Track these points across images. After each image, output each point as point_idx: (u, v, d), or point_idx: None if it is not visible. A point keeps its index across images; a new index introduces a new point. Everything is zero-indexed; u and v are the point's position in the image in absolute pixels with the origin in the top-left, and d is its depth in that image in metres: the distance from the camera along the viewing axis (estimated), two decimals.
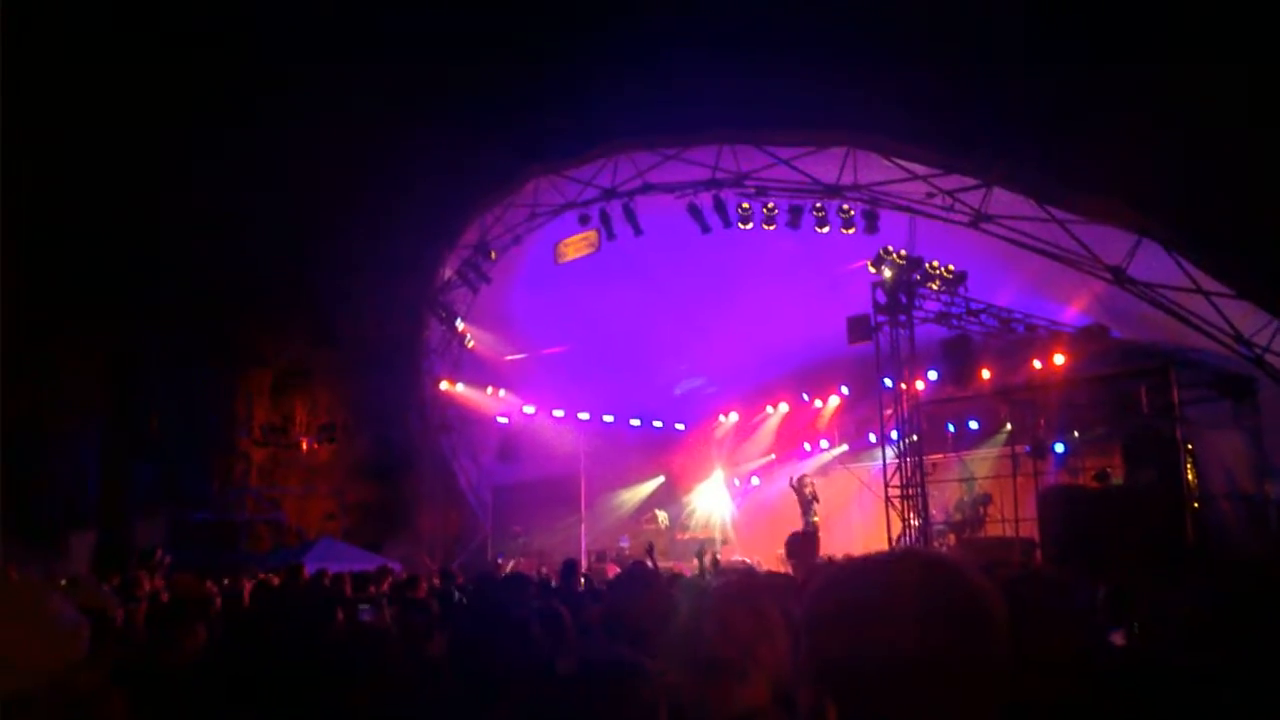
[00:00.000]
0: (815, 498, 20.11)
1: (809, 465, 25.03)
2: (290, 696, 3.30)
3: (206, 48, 16.59)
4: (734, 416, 26.49)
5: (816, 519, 19.74)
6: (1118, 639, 4.39)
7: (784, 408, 25.51)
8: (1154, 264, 15.51)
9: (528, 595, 6.09)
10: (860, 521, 21.19)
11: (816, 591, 1.45)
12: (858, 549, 19.67)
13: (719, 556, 21.22)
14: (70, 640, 2.26)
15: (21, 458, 21.99)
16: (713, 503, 25.86)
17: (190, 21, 15.90)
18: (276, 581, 11.95)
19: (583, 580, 11.73)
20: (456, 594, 8.93)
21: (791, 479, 20.89)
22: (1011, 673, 1.33)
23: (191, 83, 17.45)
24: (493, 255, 21.68)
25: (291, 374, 24.88)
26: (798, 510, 20.03)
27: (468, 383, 24.38)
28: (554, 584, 10.48)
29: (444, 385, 23.99)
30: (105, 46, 16.75)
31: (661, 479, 27.03)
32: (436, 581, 12.59)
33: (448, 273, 22.84)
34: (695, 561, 20.66)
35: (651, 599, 3.27)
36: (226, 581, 13.39)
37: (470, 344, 23.88)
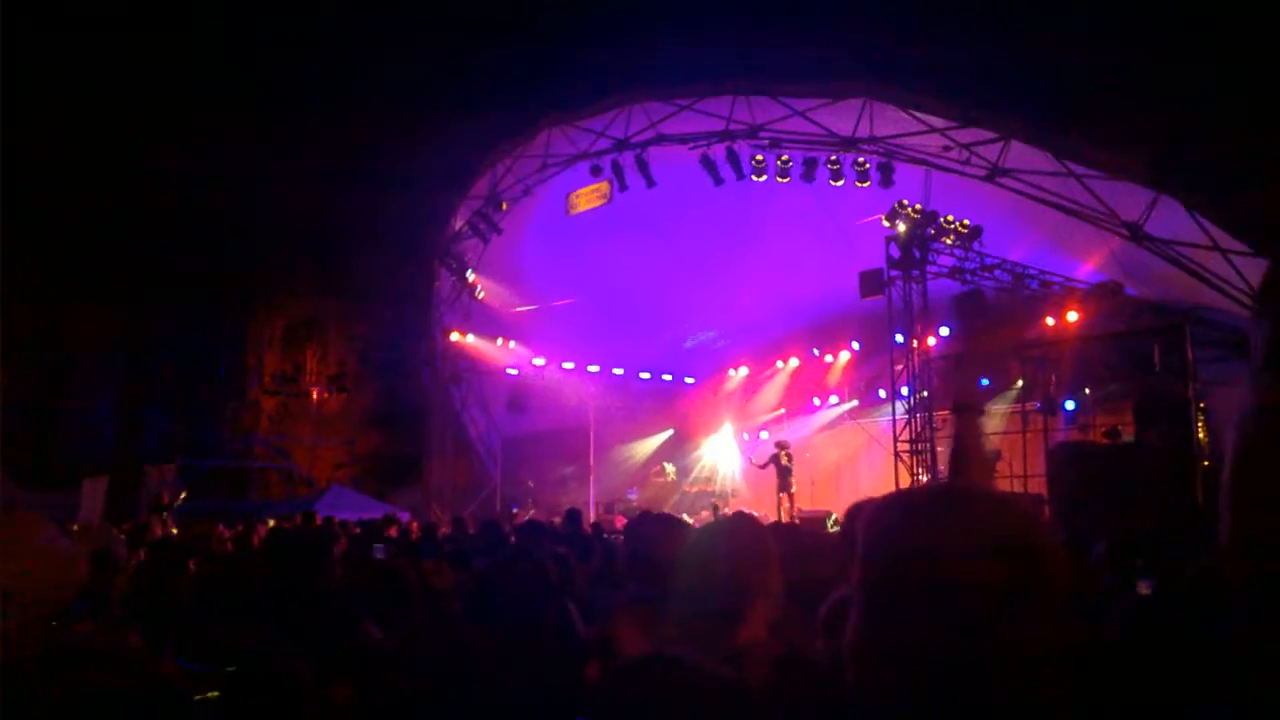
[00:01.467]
0: (791, 468, 20.02)
1: (818, 420, 25.05)
2: (291, 624, 3.32)
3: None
4: (744, 370, 26.46)
5: (794, 489, 19.86)
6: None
7: (794, 362, 25.48)
8: (1171, 221, 15.35)
9: (544, 540, 6.12)
10: (869, 476, 21.24)
11: (874, 525, 1.43)
12: None
13: (727, 510, 21.39)
14: (66, 571, 2.29)
15: (37, 407, 22.15)
16: (721, 456, 25.92)
17: None
18: (290, 527, 12.05)
19: (592, 528, 11.80)
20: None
21: (778, 446, 20.55)
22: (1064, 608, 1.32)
23: (204, 37, 17.31)
24: (504, 206, 21.57)
25: (302, 323, 24.94)
26: (808, 464, 20.15)
27: (478, 334, 24.37)
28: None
29: (454, 336, 23.97)
30: (113, 12, 16.62)
31: (670, 432, 27.08)
32: (445, 530, 12.68)
33: (459, 223, 22.75)
34: (704, 514, 20.88)
35: (674, 540, 3.25)
36: (240, 527, 13.55)
37: (481, 295, 23.84)
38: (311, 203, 20.88)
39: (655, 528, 3.57)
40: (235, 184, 20.25)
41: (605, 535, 10.83)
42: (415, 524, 13.88)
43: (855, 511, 2.75)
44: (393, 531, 11.91)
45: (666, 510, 21.57)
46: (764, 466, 20.70)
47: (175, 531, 13.81)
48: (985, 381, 20.03)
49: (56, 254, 20.94)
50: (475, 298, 23.93)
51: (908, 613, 1.32)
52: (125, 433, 23.54)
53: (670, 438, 27.06)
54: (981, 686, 1.27)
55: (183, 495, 19.86)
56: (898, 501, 1.46)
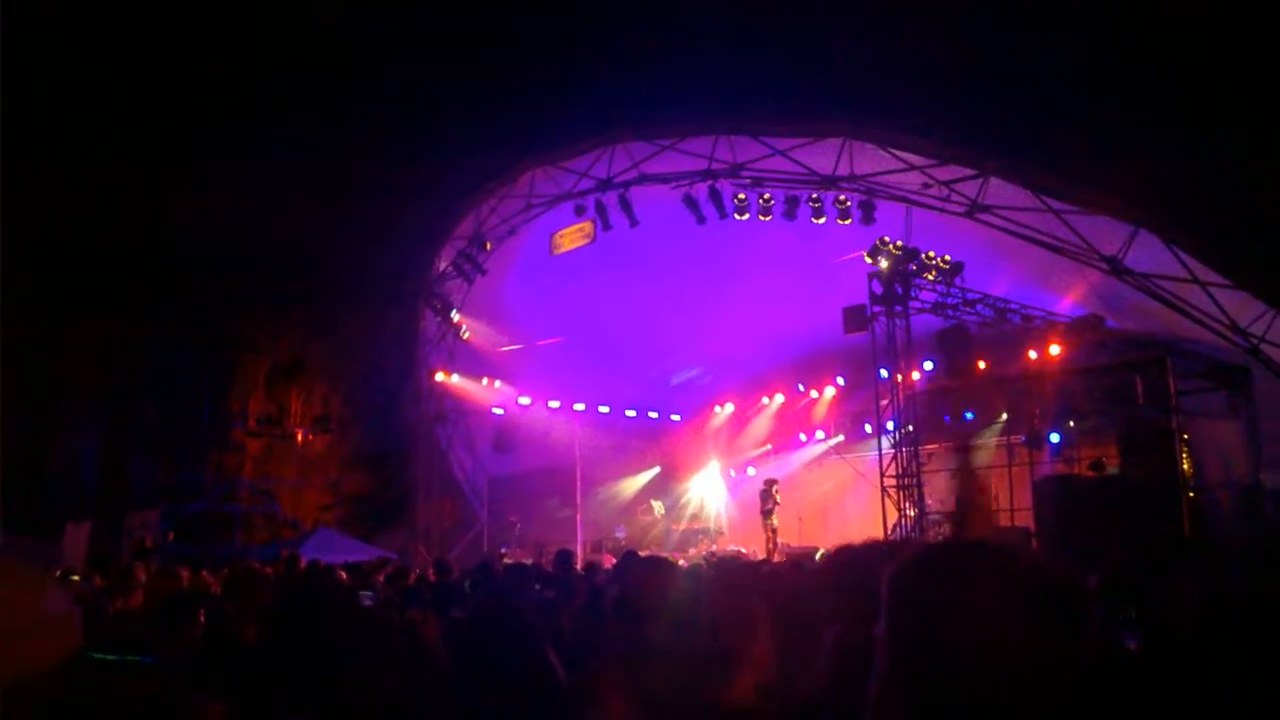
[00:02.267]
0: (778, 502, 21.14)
1: (804, 455, 25.09)
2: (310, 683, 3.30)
3: (207, 46, 16.51)
4: (729, 407, 26.52)
5: (775, 523, 20.78)
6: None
7: (779, 398, 25.56)
8: (1150, 254, 15.53)
9: (529, 584, 6.10)
10: (856, 511, 21.26)
11: (901, 579, 1.45)
12: (856, 538, 19.71)
13: (715, 547, 21.41)
14: (64, 631, 2.26)
15: (21, 448, 21.95)
16: (708, 493, 25.91)
17: (192, 21, 15.82)
18: (269, 571, 11.94)
19: (585, 568, 11.75)
20: (464, 583, 8.93)
21: (766, 483, 21.60)
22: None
23: (189, 81, 17.37)
24: (488, 246, 21.64)
25: (286, 365, 24.82)
26: (795, 499, 20.42)
27: (463, 374, 24.35)
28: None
29: (439, 376, 23.96)
30: (107, 44, 16.68)
31: (657, 469, 27.07)
32: (430, 574, 12.58)
33: (443, 264, 22.81)
34: (691, 551, 20.86)
35: (662, 584, 3.26)
36: (225, 573, 13.42)
37: (465, 335, 23.86)
38: (295, 245, 20.87)
39: (642, 570, 3.58)
40: (218, 226, 20.25)
41: (595, 577, 10.77)
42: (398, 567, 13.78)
43: (845, 556, 2.75)
44: (381, 578, 11.81)
45: (654, 548, 21.59)
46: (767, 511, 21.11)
47: (154, 574, 13.63)
48: (970, 415, 20.18)
49: (40, 298, 20.84)
50: (460, 338, 23.95)
51: (936, 668, 1.35)
52: (108, 477, 23.31)
53: (657, 475, 27.05)
54: None
55: (170, 536, 19.69)
56: (925, 560, 1.49)
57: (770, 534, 20.63)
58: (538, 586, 7.42)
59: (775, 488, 21.23)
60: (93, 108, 17.70)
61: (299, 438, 24.89)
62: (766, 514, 20.91)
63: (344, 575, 11.60)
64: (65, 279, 20.72)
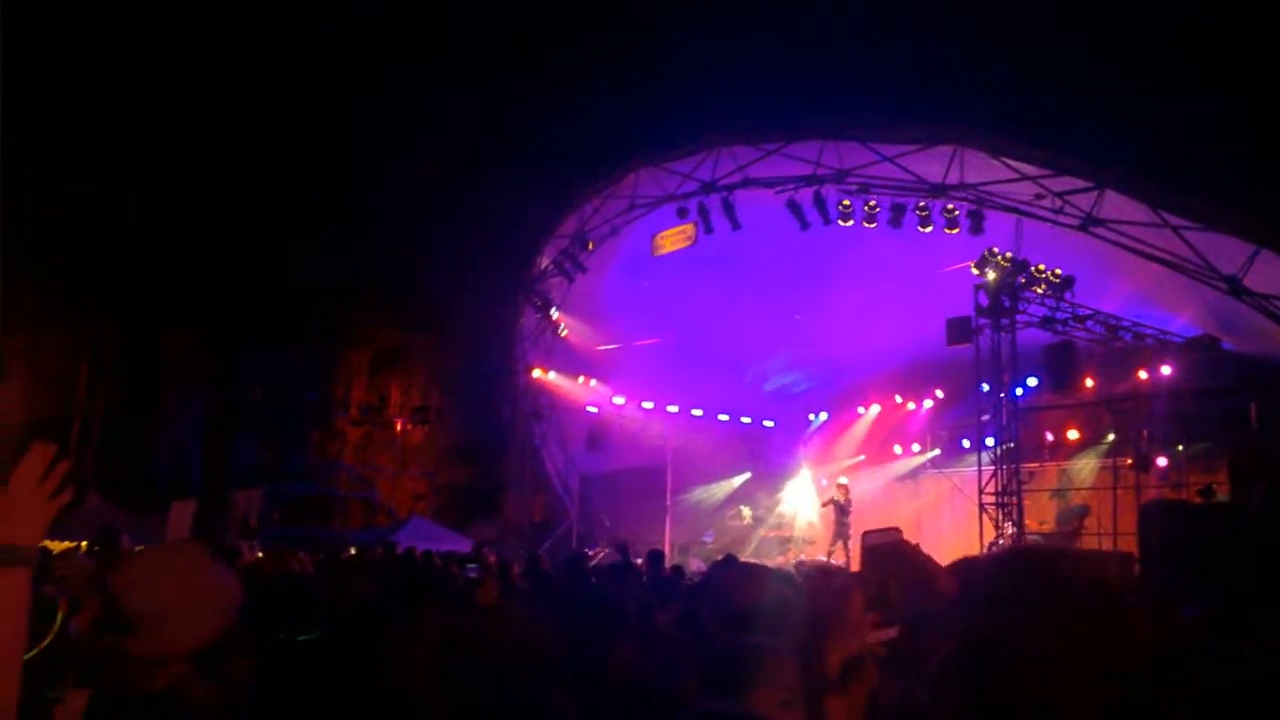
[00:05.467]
0: (849, 510, 20.38)
1: (899, 468, 24.69)
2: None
3: (322, 46, 17.02)
4: (824, 415, 26.25)
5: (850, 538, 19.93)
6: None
7: (876, 409, 25.20)
8: (1271, 274, 14.91)
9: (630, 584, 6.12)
10: (952, 527, 20.83)
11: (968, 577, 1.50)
12: (950, 555, 19.38)
13: (804, 556, 21.21)
14: (221, 598, 2.33)
15: (130, 431, 22.89)
16: (799, 501, 25.66)
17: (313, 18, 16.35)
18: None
19: (671, 570, 11.73)
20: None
21: (836, 488, 21.01)
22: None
23: (303, 76, 17.92)
24: (590, 245, 21.80)
25: (388, 355, 25.41)
26: (887, 513, 19.99)
27: (559, 371, 24.58)
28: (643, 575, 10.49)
29: (536, 373, 24.21)
30: (217, 51, 17.34)
31: (748, 475, 26.90)
32: (516, 569, 12.72)
33: (545, 261, 23.04)
34: (780, 559, 20.70)
35: (757, 591, 3.28)
36: (322, 556, 13.80)
37: (563, 333, 24.09)
38: (402, 238, 21.35)
39: (740, 578, 3.57)
40: (327, 218, 20.83)
41: (685, 579, 10.76)
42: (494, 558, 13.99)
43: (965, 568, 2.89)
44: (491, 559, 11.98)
45: (742, 554, 21.47)
46: (825, 504, 20.65)
47: (261, 556, 14.08)
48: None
49: (150, 284, 21.68)
50: (558, 335, 24.18)
51: (992, 653, 1.42)
52: (213, 457, 24.16)
53: (747, 480, 26.88)
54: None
55: (275, 517, 20.29)
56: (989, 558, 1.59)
57: (844, 554, 19.77)
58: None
59: (844, 492, 20.66)
60: (201, 108, 18.36)
61: (398, 427, 25.45)
62: (841, 529, 20.18)
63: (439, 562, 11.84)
64: (173, 271, 21.51)
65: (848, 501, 20.40)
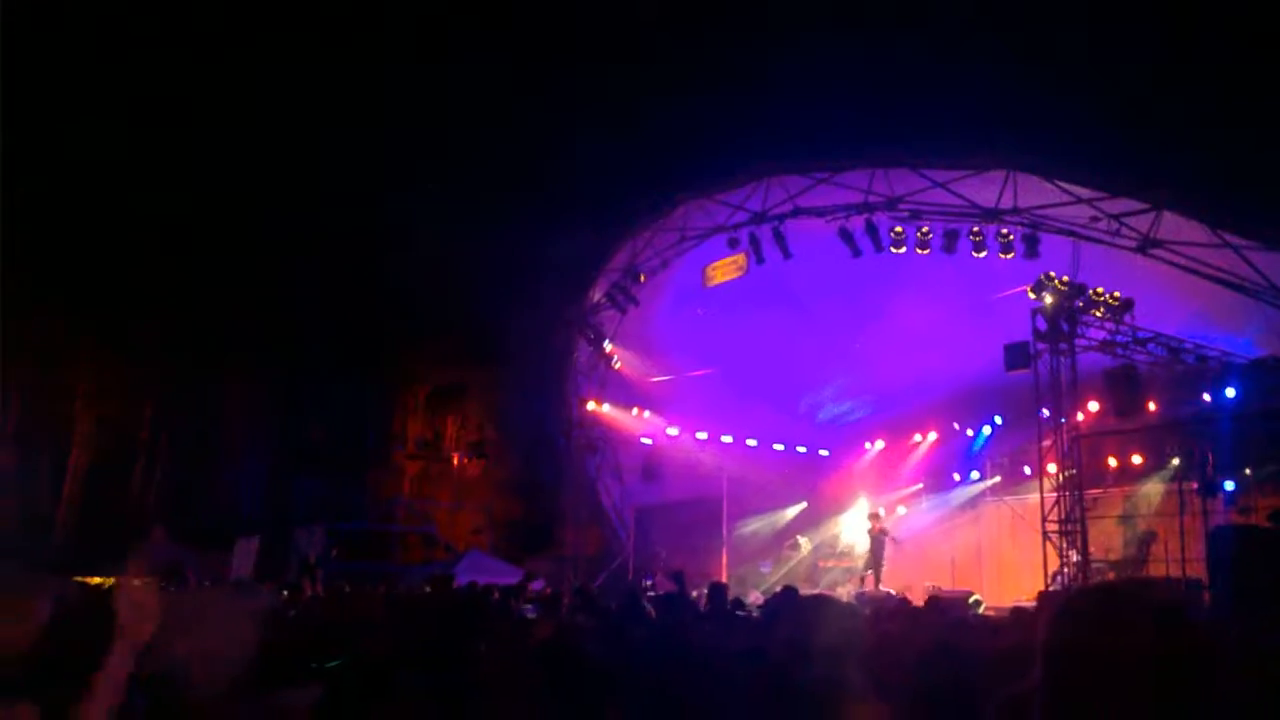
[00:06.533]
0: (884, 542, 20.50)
1: (958, 496, 24.37)
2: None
3: (377, 67, 17.35)
4: (880, 444, 26.01)
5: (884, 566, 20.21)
6: None
7: (933, 436, 24.94)
8: None
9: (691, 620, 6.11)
10: (1014, 555, 20.49)
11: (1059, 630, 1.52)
12: (1012, 584, 19.10)
13: (864, 587, 20.98)
14: (244, 642, 2.42)
15: (193, 469, 23.32)
16: (856, 531, 25.40)
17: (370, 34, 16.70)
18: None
19: (732, 603, 11.65)
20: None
21: (871, 518, 21.14)
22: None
23: (359, 105, 18.27)
24: (641, 278, 21.92)
25: (445, 390, 25.66)
26: (947, 544, 19.75)
27: (613, 403, 24.66)
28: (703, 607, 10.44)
29: (590, 405, 24.31)
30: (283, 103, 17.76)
31: (804, 505, 26.70)
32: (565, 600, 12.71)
33: (597, 295, 23.20)
34: (839, 590, 20.50)
35: (827, 624, 3.29)
36: (383, 589, 13.92)
37: (617, 365, 24.20)
38: (457, 273, 21.61)
39: (808, 611, 3.58)
40: (384, 255, 21.14)
41: (744, 611, 10.69)
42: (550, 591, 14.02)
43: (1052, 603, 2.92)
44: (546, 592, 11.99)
45: (801, 585, 21.28)
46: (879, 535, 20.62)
47: (321, 591, 14.23)
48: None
49: (213, 324, 22.13)
50: (612, 367, 24.29)
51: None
52: (275, 495, 24.51)
53: (803, 510, 26.68)
54: None
55: (334, 552, 20.51)
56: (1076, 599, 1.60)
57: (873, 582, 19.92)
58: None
59: (879, 523, 20.80)
60: (253, 135, 18.77)
61: (454, 461, 25.65)
62: (875, 559, 20.28)
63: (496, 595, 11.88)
64: (232, 310, 21.92)
65: (881, 532, 20.34)
